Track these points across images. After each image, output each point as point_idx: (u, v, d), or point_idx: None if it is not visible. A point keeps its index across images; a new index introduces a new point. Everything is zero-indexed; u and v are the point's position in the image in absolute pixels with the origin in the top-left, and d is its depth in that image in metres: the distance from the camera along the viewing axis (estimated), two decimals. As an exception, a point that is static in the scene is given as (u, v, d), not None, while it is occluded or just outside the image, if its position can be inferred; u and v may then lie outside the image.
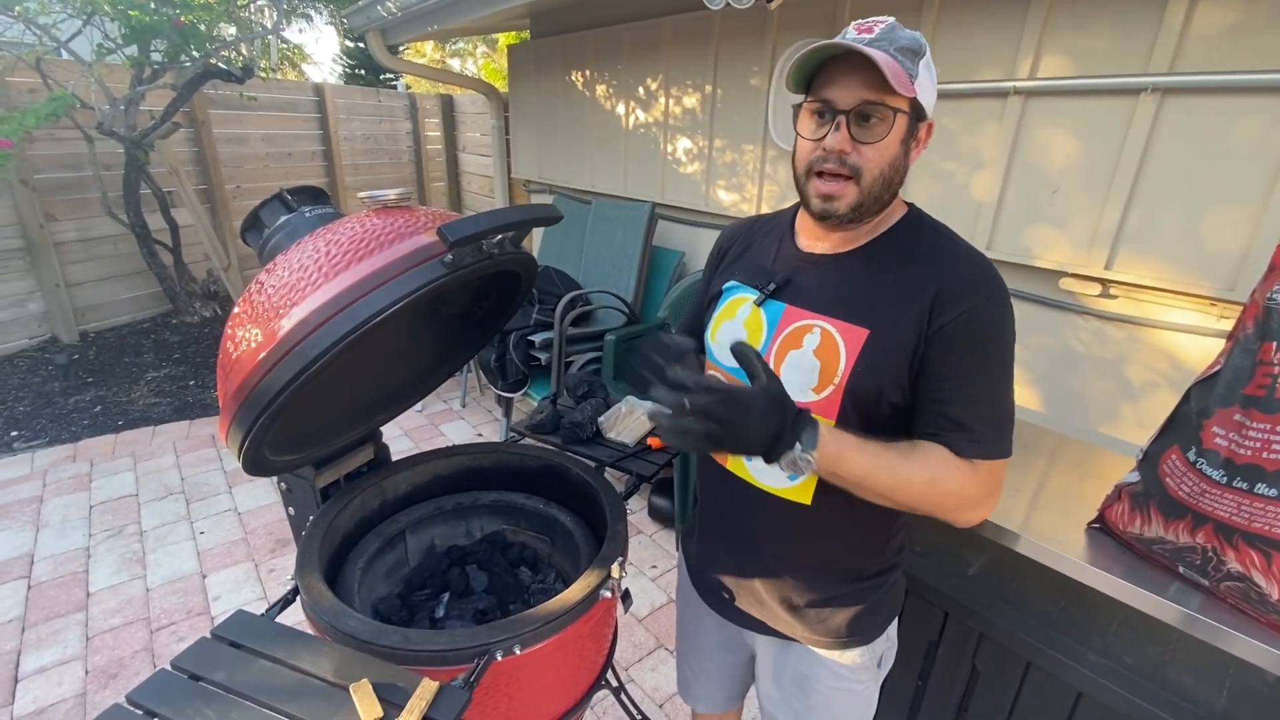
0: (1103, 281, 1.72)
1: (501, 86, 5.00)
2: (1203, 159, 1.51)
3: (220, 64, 3.86)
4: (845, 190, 0.80)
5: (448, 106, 6.64)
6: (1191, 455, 1.00)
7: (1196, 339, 1.59)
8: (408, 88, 8.97)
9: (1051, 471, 1.44)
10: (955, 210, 1.99)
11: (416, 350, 1.28)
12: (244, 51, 4.03)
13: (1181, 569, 1.08)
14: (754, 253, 0.98)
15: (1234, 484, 0.94)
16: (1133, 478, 1.14)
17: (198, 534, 2.59)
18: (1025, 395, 1.97)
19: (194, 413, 3.55)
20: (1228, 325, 1.55)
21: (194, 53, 3.69)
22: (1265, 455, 0.90)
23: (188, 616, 2.16)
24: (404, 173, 6.75)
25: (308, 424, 1.10)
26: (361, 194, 1.01)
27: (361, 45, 6.92)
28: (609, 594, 1.06)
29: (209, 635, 0.92)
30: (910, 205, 0.90)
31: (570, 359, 2.67)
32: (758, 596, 1.01)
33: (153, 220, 4.29)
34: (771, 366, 0.87)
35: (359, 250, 0.88)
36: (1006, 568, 1.40)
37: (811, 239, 0.92)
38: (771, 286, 0.90)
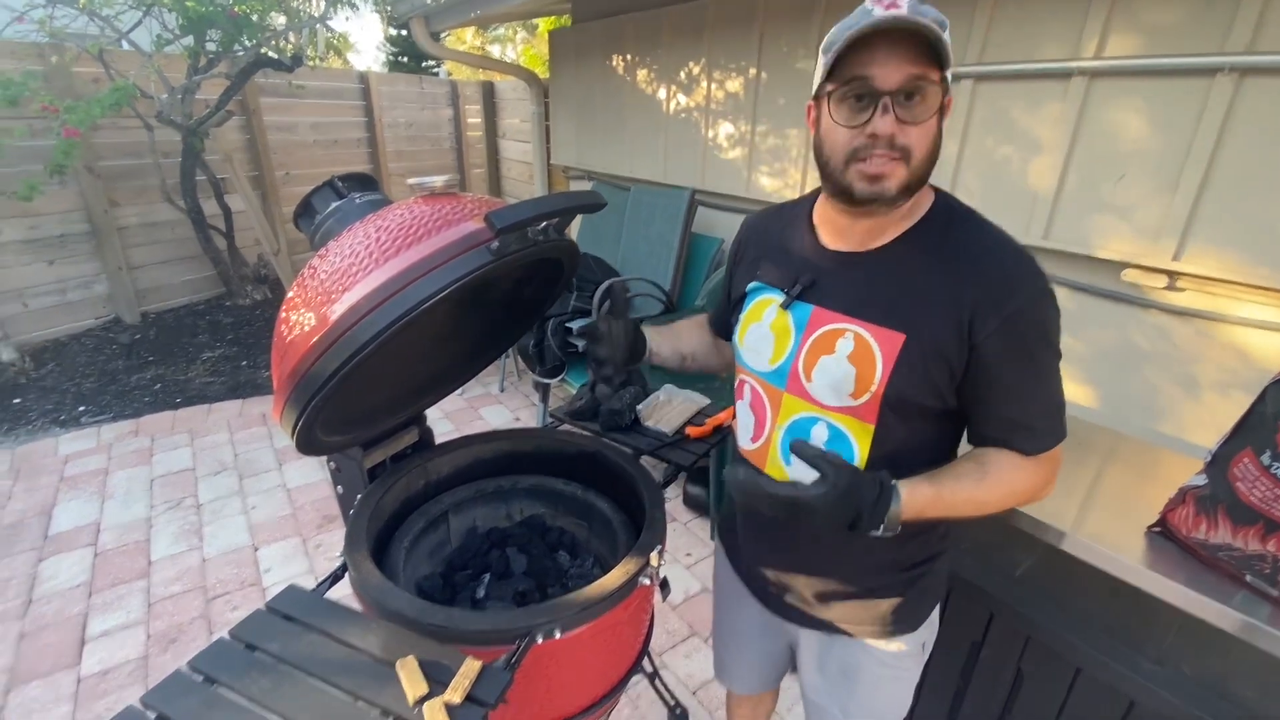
0: (1170, 273, 1.64)
1: (542, 73, 5.01)
2: (1286, 143, 1.41)
3: (271, 53, 3.96)
4: (895, 170, 0.75)
5: (488, 93, 6.67)
6: (1266, 459, 0.95)
7: (1272, 336, 1.50)
8: (449, 75, 9.05)
9: (1107, 471, 1.38)
10: (1011, 197, 1.91)
11: (460, 336, 1.29)
12: (293, 40, 4.12)
13: (1249, 577, 1.02)
14: (776, 250, 0.95)
15: (1314, 491, 0.88)
16: (1199, 480, 1.09)
17: (250, 508, 2.70)
18: (1081, 392, 1.90)
19: (246, 392, 3.69)
20: (1308, 322, 1.45)
21: (246, 42, 3.79)
22: (1351, 461, 0.85)
23: (241, 587, 2.26)
24: (445, 159, 6.82)
25: (357, 406, 1.13)
26: (410, 180, 1.02)
27: (405, 33, 7.00)
28: (648, 581, 1.06)
29: (264, 608, 0.96)
30: (937, 192, 0.85)
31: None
32: (801, 591, 1.01)
33: (208, 206, 4.45)
34: (802, 373, 0.86)
35: (408, 237, 0.89)
36: (1057, 569, 1.35)
37: (835, 234, 0.87)
38: (797, 288, 0.87)
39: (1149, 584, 1.09)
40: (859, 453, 0.85)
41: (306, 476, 2.93)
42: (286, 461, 3.05)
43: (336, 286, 0.88)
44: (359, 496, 1.22)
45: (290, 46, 3.97)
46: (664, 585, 1.11)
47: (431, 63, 10.85)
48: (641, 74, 3.33)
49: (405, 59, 10.89)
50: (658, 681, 1.52)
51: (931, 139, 0.75)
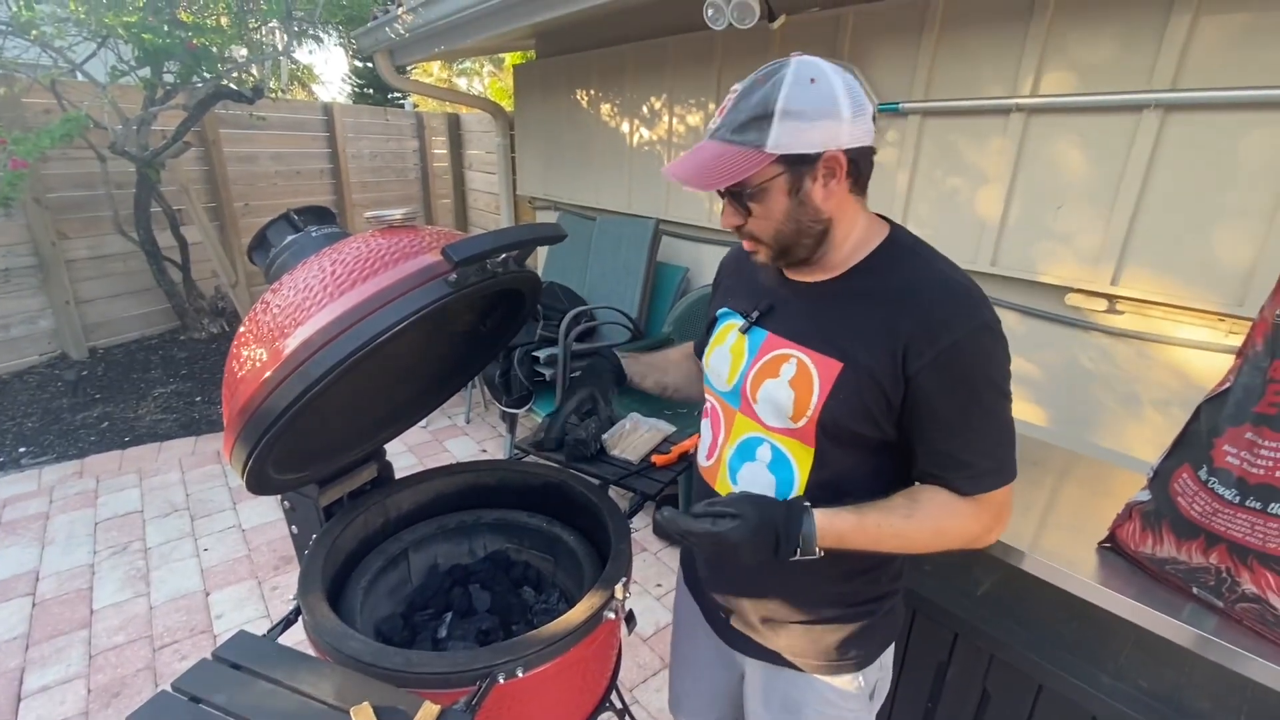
0: (1109, 297, 1.72)
1: (507, 105, 5.07)
2: (1209, 174, 1.51)
3: (231, 85, 3.92)
4: (757, 248, 0.85)
5: (454, 125, 6.72)
6: (1203, 474, 0.99)
7: (1205, 355, 1.58)
8: (415, 106, 9.09)
9: (1061, 489, 1.42)
10: (960, 226, 1.99)
11: (421, 368, 1.28)
12: (254, 73, 4.09)
13: (1195, 590, 1.06)
14: (745, 279, 0.99)
15: (1247, 504, 0.92)
16: (1143, 496, 1.12)
17: (201, 551, 2.58)
18: (1033, 411, 1.96)
19: (201, 429, 3.56)
20: (1237, 341, 1.53)
21: (205, 74, 3.75)
22: (1279, 474, 0.89)
23: (190, 634, 2.15)
24: (411, 190, 6.81)
25: (312, 442, 1.10)
26: (368, 214, 1.02)
27: (370, 65, 7.02)
28: (613, 615, 1.04)
29: (210, 656, 0.91)
30: (893, 226, 0.87)
31: (575, 374, 2.67)
32: (748, 618, 1.01)
33: (162, 238, 4.34)
34: (749, 393, 0.90)
35: (363, 270, 0.89)
36: (1017, 588, 1.38)
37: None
38: (755, 315, 0.92)
39: (1103, 599, 1.12)
40: (799, 475, 0.88)
41: (263, 516, 2.82)
42: (242, 501, 2.94)
43: (289, 321, 0.86)
44: (314, 536, 1.18)
45: (251, 79, 3.94)
46: (629, 619, 1.10)
47: (398, 94, 10.90)
48: (606, 107, 3.39)
49: (371, 90, 10.91)
50: (628, 717, 1.48)
51: (779, 220, 0.80)
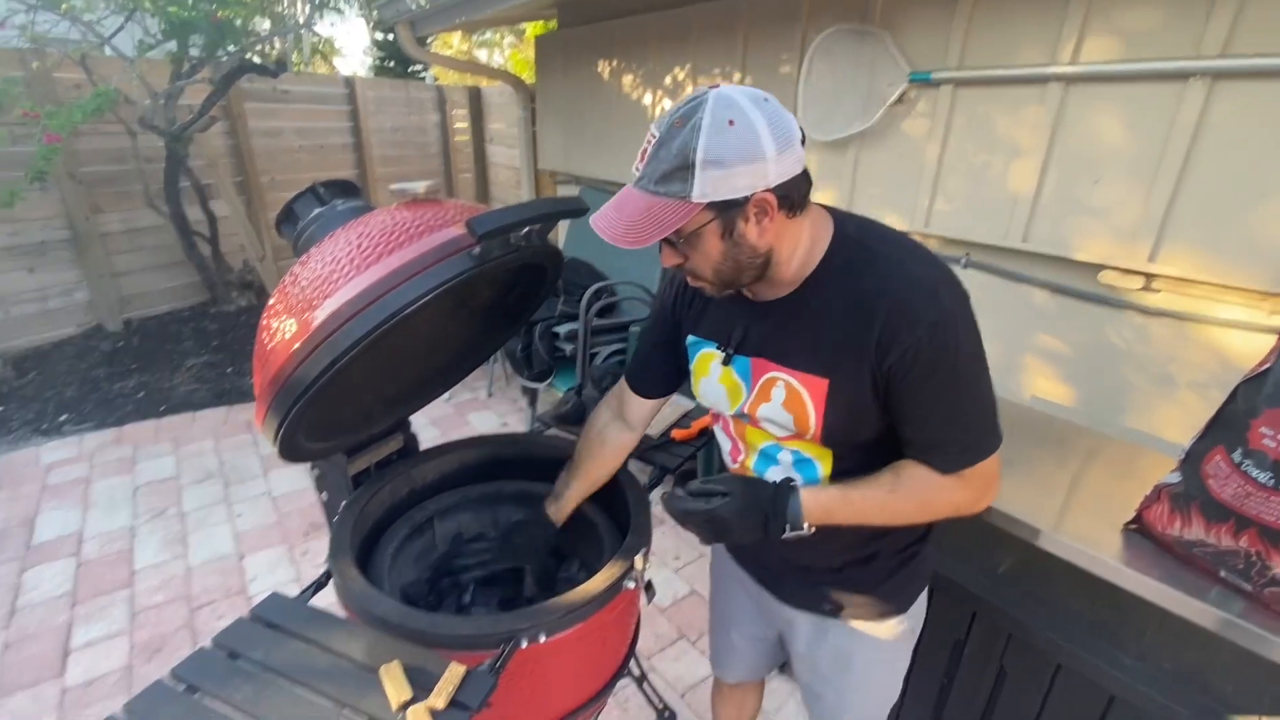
0: (1146, 275, 1.66)
1: (528, 78, 5.01)
2: (1255, 148, 1.44)
3: (255, 58, 3.93)
4: (700, 284, 0.85)
5: (475, 98, 6.67)
6: (1237, 456, 0.97)
7: (1245, 335, 1.53)
8: (436, 80, 9.05)
9: (1087, 470, 1.40)
10: (990, 201, 1.94)
11: (445, 342, 1.29)
12: (277, 45, 4.10)
13: (1223, 573, 1.04)
14: (706, 301, 0.96)
15: (1281, 487, 0.90)
16: (1173, 478, 1.11)
17: (235, 516, 2.68)
18: (1060, 390, 1.92)
19: (232, 398, 3.66)
20: (1279, 321, 1.48)
21: (230, 47, 3.76)
22: (1317, 458, 0.87)
23: (226, 596, 2.24)
24: (432, 164, 6.81)
25: (340, 413, 1.13)
26: (392, 187, 1.03)
27: (391, 38, 6.96)
28: (632, 585, 1.06)
29: (247, 615, 0.95)
30: (835, 221, 0.85)
31: (595, 350, 2.68)
32: (796, 574, 1.05)
33: (191, 212, 4.41)
34: (754, 416, 0.91)
35: (389, 243, 0.90)
36: (1037, 568, 1.37)
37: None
38: (732, 346, 0.92)
39: (1127, 581, 1.11)
40: (823, 471, 0.91)
41: (292, 484, 2.91)
42: (272, 469, 3.02)
43: (318, 293, 0.88)
44: (343, 503, 1.21)
45: (275, 51, 3.95)
46: (649, 589, 1.12)
47: (418, 67, 10.83)
48: (628, 79, 3.34)
49: (392, 64, 10.86)
50: (646, 685, 1.52)
51: (716, 260, 0.79)
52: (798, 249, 0.82)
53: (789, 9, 2.41)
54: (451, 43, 11.51)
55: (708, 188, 0.72)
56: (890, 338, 0.77)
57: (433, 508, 1.39)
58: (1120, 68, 1.61)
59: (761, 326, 0.89)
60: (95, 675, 1.92)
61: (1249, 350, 1.53)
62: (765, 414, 0.89)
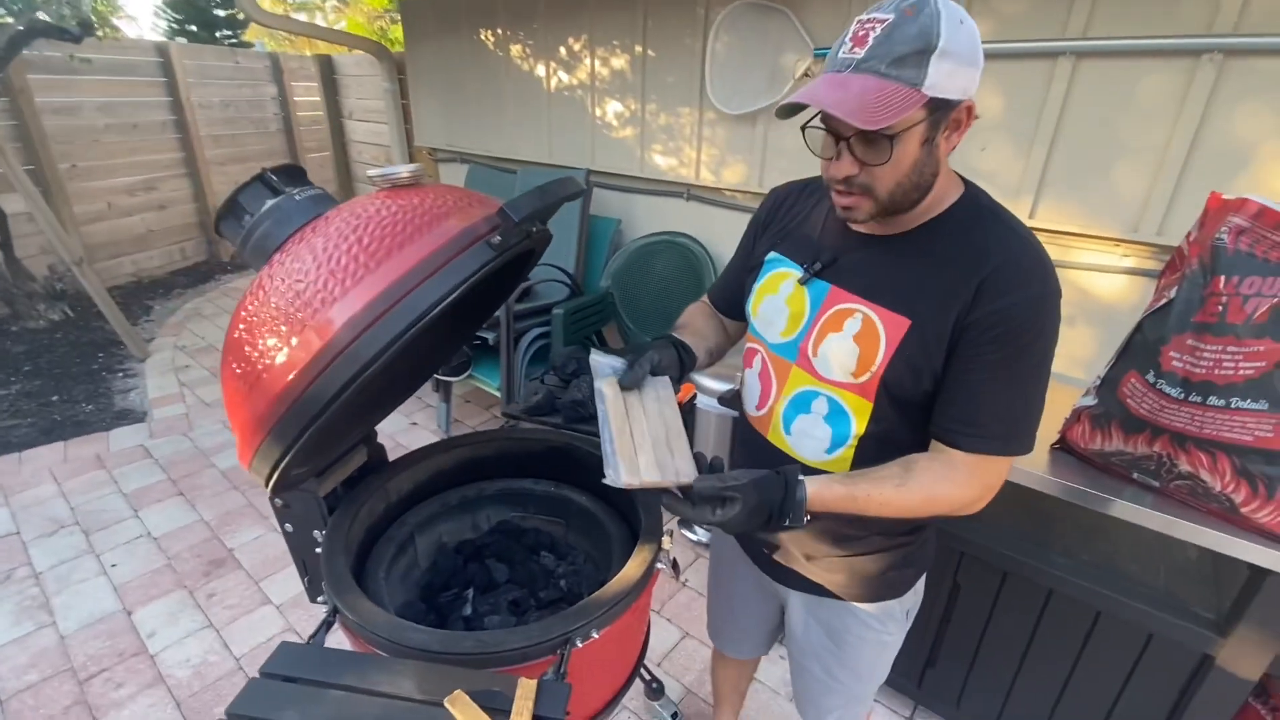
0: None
1: (392, 46, 4.59)
2: (1112, 115, 1.71)
3: (46, 18, 3.22)
4: (860, 203, 0.79)
5: (326, 68, 5.99)
6: (1151, 377, 1.16)
7: (1109, 276, 1.82)
8: (265, 47, 7.98)
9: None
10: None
11: (420, 340, 1.18)
12: (74, 4, 3.37)
13: (1135, 475, 1.26)
14: (800, 222, 0.96)
15: (1189, 399, 1.10)
16: (1089, 401, 1.30)
17: (109, 567, 2.28)
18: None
19: (66, 432, 3.08)
20: (1131, 263, 1.78)
21: (16, 6, 3.04)
22: (1216, 372, 1.07)
23: (121, 660, 1.91)
24: (273, 143, 6.07)
25: (329, 431, 1.00)
26: (371, 172, 0.91)
27: (206, -3, 6.03)
28: (662, 566, 1.07)
29: (258, 674, 0.83)
30: (967, 184, 0.85)
31: (518, 336, 2.58)
32: (792, 554, 1.04)
33: (-30, 210, 3.59)
34: (811, 349, 0.89)
35: (396, 236, 0.80)
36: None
37: None
38: (817, 266, 0.89)
39: (1055, 490, 1.30)
40: (856, 427, 0.88)
41: (175, 520, 2.53)
42: (144, 506, 2.60)
43: (318, 299, 0.77)
44: (325, 531, 1.09)
45: (72, 12, 3.24)
46: (674, 565, 1.13)
47: (228, 33, 9.46)
48: (516, 49, 3.18)
49: (194, 28, 9.36)
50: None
51: (904, 173, 0.75)
52: (942, 188, 0.80)
53: (686, -19, 2.42)
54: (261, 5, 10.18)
55: (939, 79, 0.69)
56: (992, 286, 0.75)
57: (412, 521, 1.29)
58: (999, 46, 1.81)
59: (855, 257, 0.86)
60: (-37, 785, 1.58)
61: (1109, 289, 1.83)
62: (828, 346, 0.86)
